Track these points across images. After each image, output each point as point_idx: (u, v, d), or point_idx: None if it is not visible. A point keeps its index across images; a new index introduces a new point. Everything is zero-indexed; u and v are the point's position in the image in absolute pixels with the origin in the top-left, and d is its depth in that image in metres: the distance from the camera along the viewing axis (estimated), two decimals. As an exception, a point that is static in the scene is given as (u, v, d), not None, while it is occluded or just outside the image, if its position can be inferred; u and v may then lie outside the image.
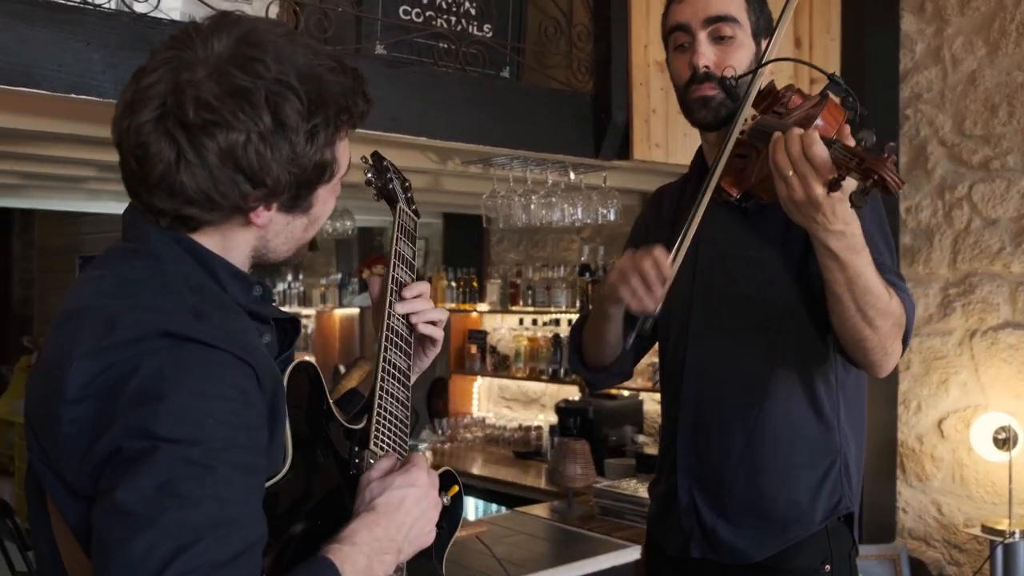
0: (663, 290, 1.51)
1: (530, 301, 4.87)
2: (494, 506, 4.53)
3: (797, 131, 1.35)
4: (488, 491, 4.55)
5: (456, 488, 1.31)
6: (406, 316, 1.35)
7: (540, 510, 3.54)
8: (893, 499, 3.52)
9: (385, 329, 1.30)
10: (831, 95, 1.50)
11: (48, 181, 3.97)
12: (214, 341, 0.94)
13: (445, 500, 1.27)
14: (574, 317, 4.51)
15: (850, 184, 1.27)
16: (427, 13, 2.75)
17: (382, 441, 1.21)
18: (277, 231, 1.10)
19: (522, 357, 4.94)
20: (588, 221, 3.18)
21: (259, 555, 0.90)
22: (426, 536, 1.11)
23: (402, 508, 1.07)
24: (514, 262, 5.25)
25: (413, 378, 1.39)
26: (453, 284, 5.39)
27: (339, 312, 6.96)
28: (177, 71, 1.00)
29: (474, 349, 5.29)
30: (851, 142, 1.32)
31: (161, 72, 1.00)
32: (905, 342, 1.52)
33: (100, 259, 1.06)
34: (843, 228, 1.37)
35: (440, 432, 5.22)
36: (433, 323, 1.39)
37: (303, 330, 7.86)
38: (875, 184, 1.23)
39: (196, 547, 0.83)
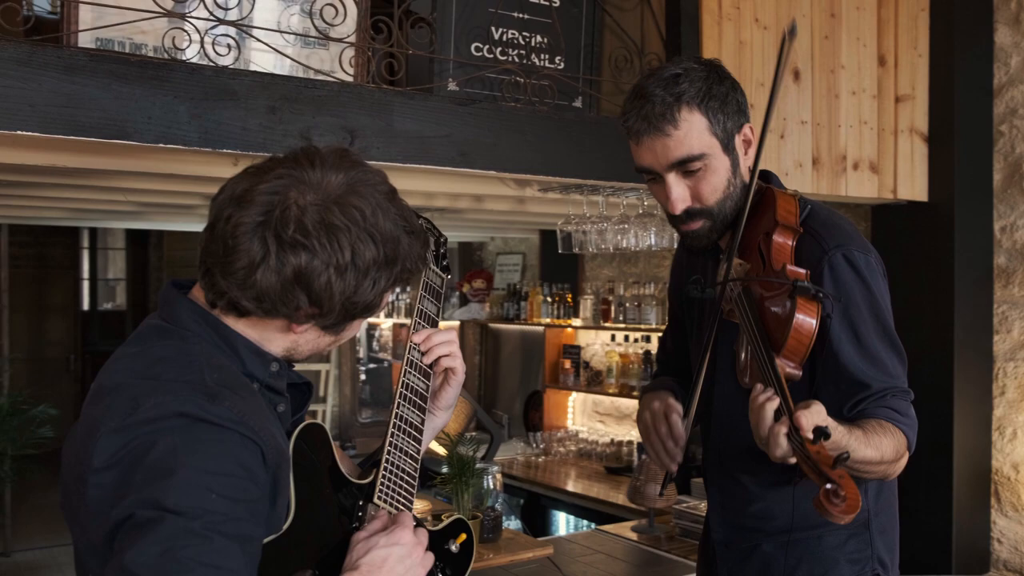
0: (680, 455, 1.65)
1: (621, 318, 4.90)
2: (584, 522, 4.59)
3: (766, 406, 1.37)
4: (578, 507, 4.61)
5: (464, 536, 1.38)
6: (420, 350, 1.43)
7: (621, 529, 3.58)
8: (987, 529, 3.40)
9: (400, 386, 1.39)
10: (802, 297, 1.47)
11: (162, 208, 4.27)
12: (223, 422, 1.05)
13: (454, 548, 1.35)
14: (663, 335, 4.51)
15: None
16: (499, 49, 2.85)
17: (386, 494, 1.30)
18: (307, 340, 1.22)
19: (614, 373, 4.98)
20: (664, 246, 3.21)
21: None
22: None
23: (384, 566, 1.15)
24: (607, 278, 5.29)
25: (445, 412, 1.49)
26: (548, 299, 5.47)
27: (442, 325, 7.14)
28: (291, 188, 1.12)
29: (568, 364, 5.35)
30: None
31: (277, 184, 1.13)
32: (910, 451, 1.55)
33: (137, 335, 1.20)
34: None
35: (534, 445, 5.31)
36: (448, 355, 1.46)
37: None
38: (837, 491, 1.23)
39: None
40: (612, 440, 5.06)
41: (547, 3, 2.92)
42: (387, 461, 1.32)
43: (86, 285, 11.69)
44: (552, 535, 4.81)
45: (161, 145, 2.21)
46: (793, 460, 1.32)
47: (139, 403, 1.05)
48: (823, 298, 1.46)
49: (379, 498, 1.29)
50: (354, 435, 6.31)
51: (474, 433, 3.29)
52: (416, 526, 1.24)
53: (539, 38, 2.90)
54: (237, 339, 1.18)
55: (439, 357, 1.46)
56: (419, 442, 1.38)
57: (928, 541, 3.36)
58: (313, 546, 1.18)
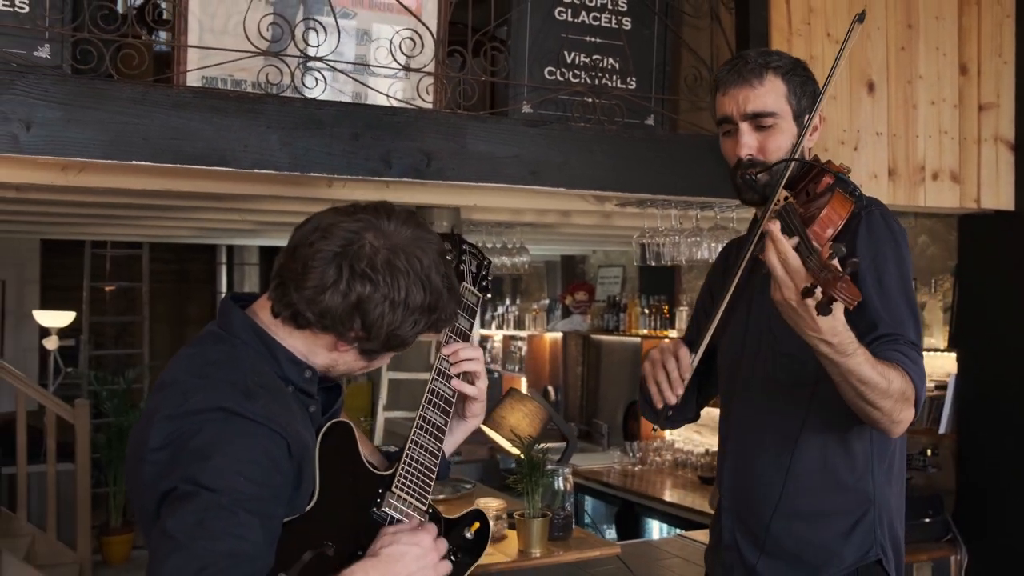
0: (682, 388, 1.72)
1: (715, 329, 4.94)
2: (676, 530, 4.66)
3: (778, 240, 1.44)
4: (670, 515, 4.69)
5: (478, 524, 1.54)
6: (449, 361, 1.60)
7: (705, 535, 3.65)
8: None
9: (428, 392, 1.57)
10: (839, 190, 1.59)
11: (278, 226, 4.61)
12: (256, 417, 1.26)
13: (468, 534, 1.53)
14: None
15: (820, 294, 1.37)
16: (571, 72, 3.01)
17: (405, 485, 1.47)
18: (346, 361, 1.42)
19: (708, 384, 5.02)
20: (739, 257, 3.28)
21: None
22: None
23: (401, 561, 1.32)
24: (703, 290, 5.34)
25: (475, 417, 1.66)
26: (646, 311, 5.57)
27: (548, 335, 7.31)
28: (368, 231, 1.34)
29: (665, 375, 5.42)
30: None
31: (357, 226, 1.35)
32: (917, 407, 1.60)
33: (197, 339, 1.42)
34: (829, 339, 1.47)
35: (631, 454, 5.41)
36: (471, 372, 1.62)
37: (518, 352, 8.33)
38: (831, 300, 1.34)
39: (211, 568, 1.14)
40: (707, 450, 5.10)
41: (618, 27, 3.06)
42: (408, 456, 1.49)
43: (216, 299, 12.40)
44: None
45: (256, 171, 2.47)
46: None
47: (188, 397, 1.27)
48: (859, 198, 1.58)
49: (397, 487, 1.46)
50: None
51: (550, 445, 3.42)
52: (433, 518, 1.42)
53: (610, 60, 3.04)
54: (279, 349, 1.39)
55: (465, 371, 1.62)
56: (440, 440, 1.54)
57: None
58: (334, 524, 1.36)
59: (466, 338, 1.68)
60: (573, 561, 2.86)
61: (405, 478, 1.47)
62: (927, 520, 3.51)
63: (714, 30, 3.12)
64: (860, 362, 1.50)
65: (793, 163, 1.70)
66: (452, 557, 1.46)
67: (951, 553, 3.50)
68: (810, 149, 1.87)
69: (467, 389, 1.61)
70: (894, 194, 3.20)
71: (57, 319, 7.57)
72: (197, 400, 1.26)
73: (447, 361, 1.61)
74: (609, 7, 3.05)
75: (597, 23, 3.04)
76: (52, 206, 3.73)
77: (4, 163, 2.47)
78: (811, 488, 1.74)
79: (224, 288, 12.35)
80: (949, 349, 3.68)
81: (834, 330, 1.46)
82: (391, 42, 2.70)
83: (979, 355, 3.53)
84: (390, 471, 1.48)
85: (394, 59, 2.70)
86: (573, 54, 3.01)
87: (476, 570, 2.82)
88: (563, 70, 2.99)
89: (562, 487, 2.91)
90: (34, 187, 2.96)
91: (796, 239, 1.44)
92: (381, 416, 6.12)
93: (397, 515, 1.44)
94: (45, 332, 7.67)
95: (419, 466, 1.49)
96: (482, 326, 9.46)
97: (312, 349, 1.40)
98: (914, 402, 1.59)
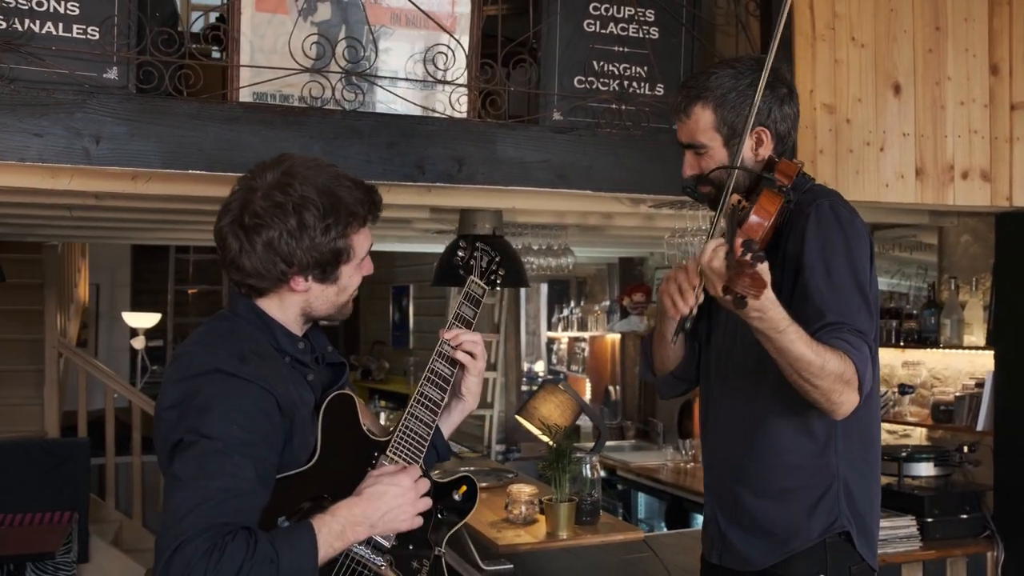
0: (693, 296, 1.75)
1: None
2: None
3: (709, 245, 1.65)
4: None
5: (465, 488, 1.72)
6: (450, 344, 1.78)
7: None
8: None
9: (427, 370, 1.76)
10: (766, 188, 1.72)
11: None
12: (247, 376, 1.47)
13: (456, 496, 1.71)
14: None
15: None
16: (600, 80, 3.16)
17: (397, 449, 1.66)
18: (316, 295, 1.62)
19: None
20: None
21: (255, 510, 1.41)
22: (401, 522, 1.55)
23: (382, 498, 1.52)
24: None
25: (471, 395, 1.84)
26: (699, 311, 5.64)
27: (610, 336, 7.43)
28: (246, 192, 1.57)
29: (717, 374, 5.50)
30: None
31: (238, 194, 1.59)
32: (861, 392, 1.72)
33: (212, 317, 1.64)
34: (759, 317, 1.62)
35: (683, 452, 5.50)
36: (470, 353, 1.79)
37: (581, 353, 8.47)
38: (738, 295, 1.50)
39: (209, 502, 1.36)
40: (757, 448, 5.17)
41: (645, 37, 3.20)
42: (404, 425, 1.69)
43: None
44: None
45: (300, 177, 2.69)
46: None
47: (192, 362, 1.50)
48: (786, 191, 1.71)
49: (391, 450, 1.65)
50: (519, 439, 6.70)
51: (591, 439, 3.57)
52: (422, 478, 1.60)
53: (637, 69, 3.18)
54: (274, 324, 1.61)
55: (466, 351, 1.80)
56: (435, 413, 1.73)
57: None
58: (332, 480, 1.56)
59: (469, 325, 1.86)
60: (598, 544, 3.00)
61: (399, 443, 1.66)
62: (964, 516, 3.54)
63: (738, 36, 3.23)
64: (792, 339, 1.63)
65: (727, 177, 1.86)
66: (439, 515, 1.64)
67: (987, 549, 3.52)
68: (759, 159, 1.93)
69: (464, 358, 1.78)
70: (922, 193, 3.26)
71: (144, 320, 8.03)
72: (199, 364, 1.48)
73: (448, 344, 1.79)
74: (637, 18, 3.20)
75: (625, 33, 3.19)
76: (134, 212, 4.05)
77: (80, 174, 2.75)
78: (776, 466, 1.86)
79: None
80: (988, 347, 3.70)
81: (762, 308, 1.60)
82: (424, 56, 2.90)
83: (1016, 352, 3.55)
84: (386, 438, 1.67)
85: (426, 71, 2.90)
86: (602, 63, 3.16)
87: (508, 548, 3.00)
88: (592, 79, 3.15)
89: (589, 474, 3.06)
90: (110, 195, 3.26)
91: (723, 241, 1.61)
92: (443, 413, 6.34)
93: None
94: (135, 333, 8.15)
95: (413, 434, 1.68)
96: (549, 328, 9.63)
97: (284, 306, 1.61)
98: (857, 387, 1.70)
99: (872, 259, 1.87)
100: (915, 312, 4.05)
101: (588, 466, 3.04)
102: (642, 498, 5.58)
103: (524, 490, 3.14)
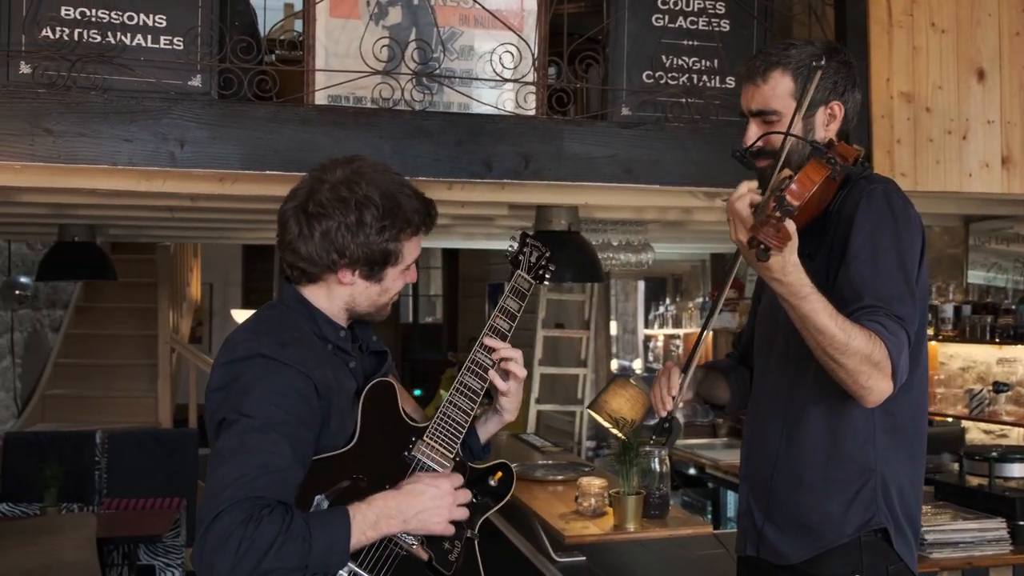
0: (672, 403, 1.96)
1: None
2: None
3: (741, 187, 1.62)
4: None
5: (500, 474, 1.78)
6: (491, 352, 1.82)
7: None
8: None
9: (468, 361, 1.81)
10: (815, 158, 1.69)
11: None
12: (287, 361, 1.56)
13: (492, 482, 1.76)
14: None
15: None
16: (669, 75, 3.16)
17: (435, 435, 1.71)
18: (360, 291, 1.70)
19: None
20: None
21: (291, 487, 1.49)
22: (434, 524, 1.59)
23: (420, 497, 1.58)
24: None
25: (508, 411, 1.89)
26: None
27: (708, 334, 7.35)
28: (314, 183, 1.67)
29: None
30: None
31: (307, 183, 1.69)
32: (895, 380, 1.64)
33: (263, 307, 1.74)
34: (779, 277, 1.59)
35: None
36: (510, 361, 1.83)
37: (676, 350, 8.40)
38: (759, 243, 1.48)
39: (248, 476, 1.45)
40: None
41: (716, 29, 3.18)
42: (442, 412, 1.74)
43: (404, 300, 13.12)
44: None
45: (370, 176, 2.80)
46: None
47: (237, 347, 1.59)
48: (834, 163, 1.66)
49: (428, 436, 1.71)
50: (609, 435, 6.70)
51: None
52: (463, 488, 1.65)
53: (706, 62, 3.17)
54: (316, 313, 1.69)
55: (504, 368, 1.83)
56: (474, 402, 1.77)
57: None
58: (369, 462, 1.64)
59: (513, 318, 1.90)
60: (666, 537, 3.01)
61: (436, 430, 1.72)
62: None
63: (811, 25, 3.18)
64: (816, 308, 1.59)
65: (787, 148, 1.81)
66: (475, 499, 1.69)
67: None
68: (842, 136, 1.90)
69: (499, 383, 1.82)
70: (1009, 183, 3.14)
71: (251, 317, 8.35)
72: (243, 350, 1.58)
73: (485, 352, 1.82)
74: (707, 11, 3.18)
75: (694, 27, 3.18)
76: (227, 213, 4.27)
77: (172, 177, 2.92)
78: (813, 457, 1.83)
79: (404, 290, 13.09)
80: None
81: (784, 269, 1.57)
82: (491, 56, 2.96)
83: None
84: (424, 423, 1.74)
85: (493, 71, 2.96)
86: (670, 57, 3.16)
87: (575, 539, 3.04)
88: (660, 73, 3.15)
89: (658, 468, 3.06)
90: (204, 196, 3.45)
91: (756, 186, 1.60)
92: (533, 409, 6.41)
93: (424, 459, 1.69)
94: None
95: (451, 421, 1.73)
96: (646, 326, 9.59)
97: (331, 296, 1.69)
98: (890, 373, 1.63)
99: (923, 253, 1.81)
100: (1012, 307, 3.89)
101: (656, 460, 3.05)
102: (731, 496, 5.50)
103: (594, 483, 3.17)
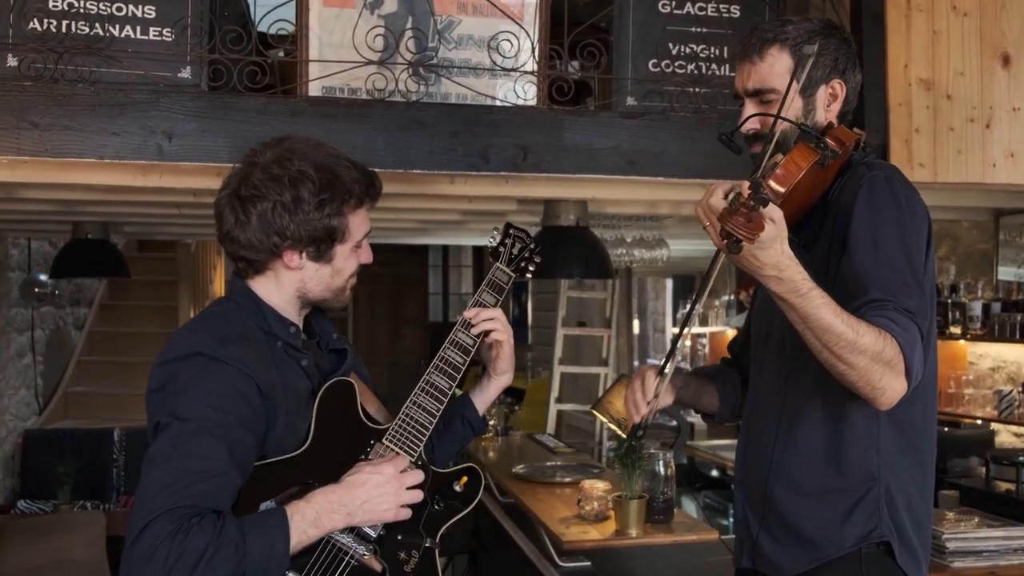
0: (647, 408, 1.79)
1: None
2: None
3: (715, 186, 1.47)
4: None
5: (466, 479, 1.66)
6: (468, 328, 1.74)
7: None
8: None
9: (437, 358, 1.71)
10: (803, 142, 1.57)
11: (438, 224, 4.90)
12: (226, 359, 1.47)
13: (457, 487, 1.66)
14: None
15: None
16: (677, 63, 3.05)
17: (395, 438, 1.62)
18: (310, 275, 1.61)
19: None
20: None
21: (228, 493, 1.41)
22: (383, 512, 1.51)
23: (363, 487, 1.49)
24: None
25: (503, 376, 1.82)
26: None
27: (730, 332, 7.20)
28: (246, 167, 1.59)
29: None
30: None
31: (239, 169, 1.61)
32: (909, 378, 1.50)
33: (211, 302, 1.65)
34: (775, 273, 1.43)
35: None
36: (494, 329, 1.75)
37: (702, 350, 8.24)
38: (728, 234, 1.34)
39: (179, 483, 1.36)
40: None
41: (725, 16, 3.06)
42: (404, 413, 1.65)
43: (433, 299, 13.10)
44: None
45: (363, 169, 2.72)
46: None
47: (176, 345, 1.51)
48: (823, 147, 1.53)
49: (387, 439, 1.62)
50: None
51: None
52: (411, 469, 1.57)
53: (715, 49, 3.05)
54: (266, 308, 1.60)
55: (486, 331, 1.76)
56: (440, 402, 1.68)
57: None
58: (323, 467, 1.54)
59: None
60: (670, 544, 2.89)
61: (397, 432, 1.62)
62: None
63: (826, 10, 3.04)
64: (817, 305, 1.45)
65: (780, 131, 1.67)
66: (436, 505, 1.60)
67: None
68: (843, 118, 1.79)
69: (490, 337, 1.75)
70: (1035, 173, 2.98)
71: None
72: (181, 348, 1.50)
73: (463, 331, 1.75)
74: (716, -4, 3.06)
75: (703, 13, 3.06)
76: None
77: (169, 171, 2.87)
78: (811, 462, 1.70)
79: (432, 288, 13.07)
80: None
81: (778, 264, 1.42)
82: (488, 44, 2.87)
83: None
84: (384, 425, 1.64)
85: (490, 59, 2.87)
86: (677, 45, 3.05)
87: (572, 545, 2.94)
88: (667, 61, 3.04)
89: (663, 471, 2.95)
90: (204, 191, 3.39)
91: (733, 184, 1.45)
92: (553, 408, 6.30)
93: None
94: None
95: (413, 423, 1.64)
96: (674, 324, 9.43)
97: (280, 285, 1.61)
98: (903, 371, 1.49)
99: (930, 244, 1.68)
100: (1043, 305, 3.72)
101: (661, 463, 2.93)
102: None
103: (597, 486, 3.06)
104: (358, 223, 1.62)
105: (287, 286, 1.62)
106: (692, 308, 1.81)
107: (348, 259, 1.63)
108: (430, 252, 12.90)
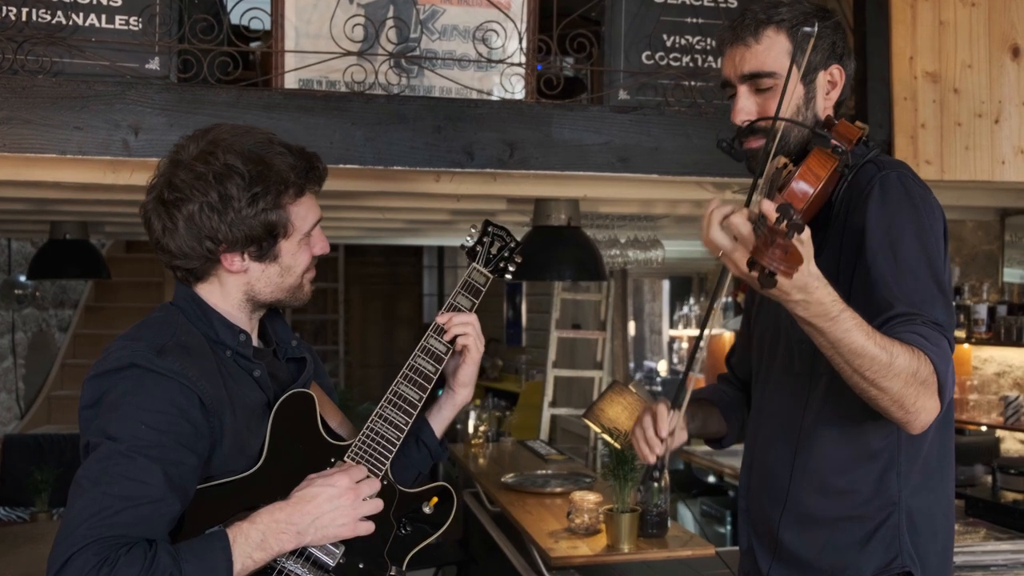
0: (660, 447, 1.56)
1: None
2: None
3: (713, 209, 1.27)
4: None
5: (436, 500, 1.52)
6: (441, 334, 1.60)
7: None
8: None
9: (406, 367, 1.57)
10: (818, 147, 1.43)
11: (427, 224, 4.76)
12: (164, 371, 1.33)
13: (427, 509, 1.51)
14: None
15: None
16: (672, 55, 2.91)
17: (358, 455, 1.48)
18: (257, 277, 1.46)
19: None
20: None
21: (163, 519, 1.27)
22: (339, 528, 1.37)
23: (313, 502, 1.35)
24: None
25: (465, 389, 1.65)
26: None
27: (728, 334, 7.06)
28: (170, 167, 1.44)
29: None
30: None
31: (162, 169, 1.46)
32: (943, 396, 1.38)
33: (155, 309, 1.51)
34: (803, 297, 1.28)
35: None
36: (465, 334, 1.60)
37: (699, 353, 8.09)
38: (763, 270, 1.16)
39: (106, 511, 1.23)
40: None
41: (722, 6, 2.93)
42: (369, 427, 1.50)
43: (428, 300, 12.96)
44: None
45: (341, 166, 2.59)
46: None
47: (110, 356, 1.36)
48: (841, 152, 1.40)
49: (349, 456, 1.47)
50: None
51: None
52: (368, 479, 1.43)
53: (711, 41, 2.91)
54: (213, 314, 1.46)
55: (457, 336, 1.61)
56: (409, 415, 1.53)
57: None
58: (279, 487, 1.40)
59: None
60: (663, 559, 2.76)
61: (361, 449, 1.48)
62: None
63: (831, 1, 2.91)
64: (849, 327, 1.30)
65: (783, 125, 1.53)
66: (402, 529, 1.46)
67: None
68: (826, 111, 1.64)
69: (462, 342, 1.61)
70: (1047, 171, 2.85)
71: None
72: (115, 359, 1.35)
73: (435, 337, 1.61)
74: (713, -15, 2.93)
75: (699, 3, 2.93)
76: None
77: (141, 168, 2.72)
78: (824, 488, 1.56)
79: (427, 289, 12.93)
80: None
81: (806, 287, 1.26)
82: (473, 35, 2.74)
83: None
84: (347, 442, 1.50)
85: (476, 50, 2.73)
86: (672, 37, 2.91)
87: (561, 561, 2.80)
88: (662, 53, 2.90)
89: (656, 484, 2.82)
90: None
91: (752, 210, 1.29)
92: (547, 413, 6.16)
93: None
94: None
95: (378, 438, 1.50)
96: (671, 326, 9.30)
97: (225, 291, 1.46)
98: (936, 389, 1.36)
99: (946, 243, 1.55)
100: (1054, 308, 3.59)
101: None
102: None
103: (588, 498, 2.92)
104: (302, 213, 1.46)
105: (233, 291, 1.47)
106: (698, 343, 1.62)
107: (297, 254, 1.48)
108: (425, 253, 12.77)
